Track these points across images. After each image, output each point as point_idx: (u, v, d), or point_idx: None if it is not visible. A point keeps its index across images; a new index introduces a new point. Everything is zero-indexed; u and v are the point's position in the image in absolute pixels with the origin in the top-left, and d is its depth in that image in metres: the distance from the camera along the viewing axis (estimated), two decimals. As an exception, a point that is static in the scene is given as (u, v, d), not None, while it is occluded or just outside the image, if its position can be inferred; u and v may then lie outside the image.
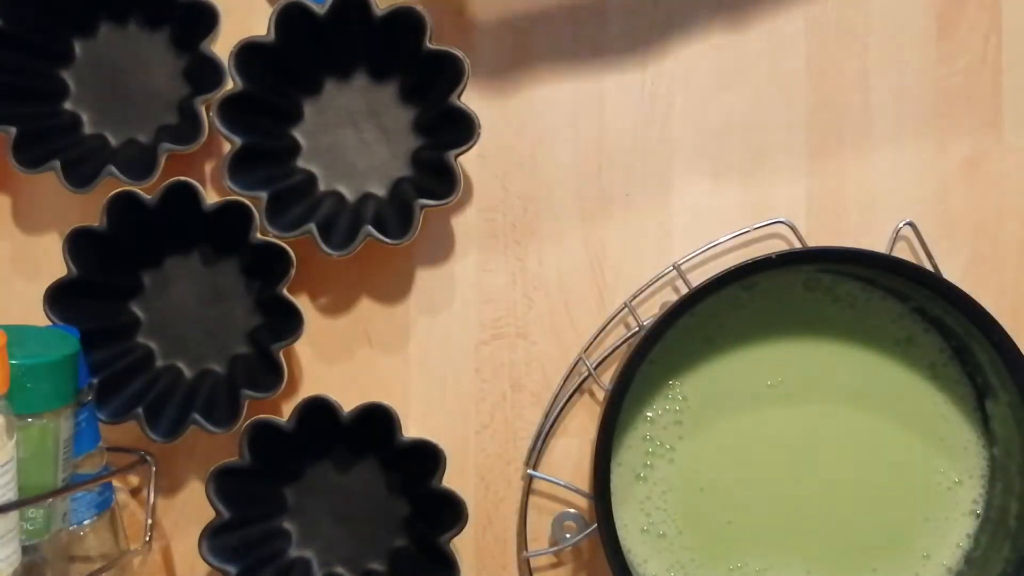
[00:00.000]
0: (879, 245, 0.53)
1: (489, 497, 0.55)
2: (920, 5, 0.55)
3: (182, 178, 0.50)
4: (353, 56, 0.53)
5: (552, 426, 0.55)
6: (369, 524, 0.54)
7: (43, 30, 0.52)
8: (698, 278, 0.50)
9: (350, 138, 0.54)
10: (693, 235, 0.55)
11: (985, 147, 0.55)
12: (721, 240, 0.54)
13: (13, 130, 0.50)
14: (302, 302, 0.54)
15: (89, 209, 0.53)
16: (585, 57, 0.55)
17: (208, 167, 0.55)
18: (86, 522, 0.50)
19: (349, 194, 0.54)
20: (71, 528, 0.49)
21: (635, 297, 0.54)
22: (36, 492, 0.45)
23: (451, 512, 0.50)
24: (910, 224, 0.53)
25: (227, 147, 0.50)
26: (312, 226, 0.50)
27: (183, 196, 0.50)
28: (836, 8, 0.55)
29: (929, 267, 0.52)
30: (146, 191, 0.50)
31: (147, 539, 0.54)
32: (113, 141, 0.54)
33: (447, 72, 0.50)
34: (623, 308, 0.54)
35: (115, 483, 0.53)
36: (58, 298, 0.50)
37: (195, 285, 0.54)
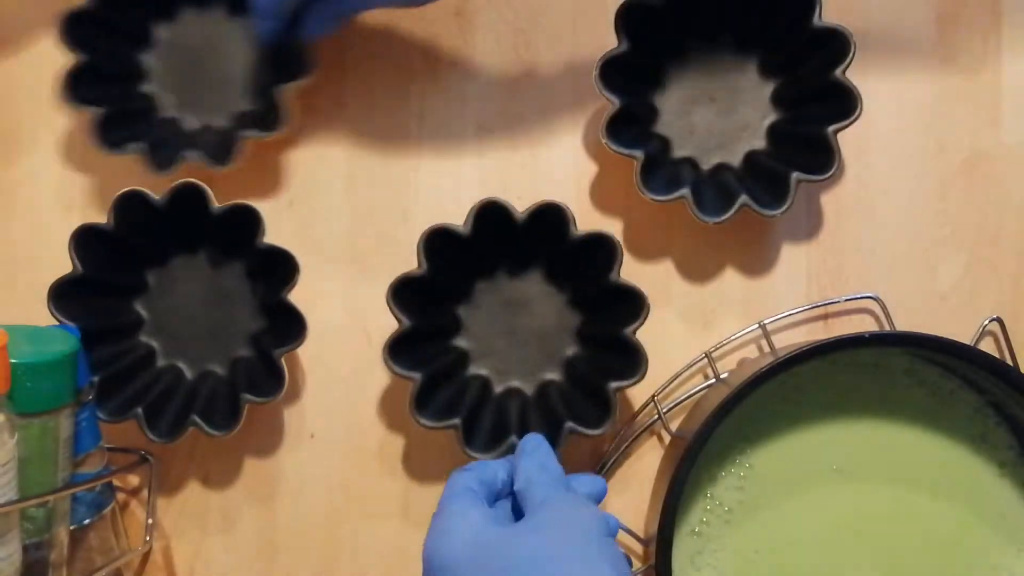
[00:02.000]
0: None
1: (489, 497, 0.55)
2: (920, 5, 0.55)
3: (192, 180, 0.50)
4: None
5: (613, 463, 0.55)
6: (541, 336, 0.53)
7: (127, 12, 0.53)
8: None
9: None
10: (692, 231, 0.55)
11: (985, 147, 0.55)
12: (805, 307, 0.54)
13: (99, 111, 0.50)
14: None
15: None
16: (585, 55, 0.55)
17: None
18: (86, 522, 0.50)
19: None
20: (71, 528, 0.49)
21: (716, 349, 0.54)
22: (36, 491, 0.45)
23: (631, 304, 0.49)
24: (997, 320, 0.53)
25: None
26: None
27: (192, 198, 0.50)
28: (836, 8, 0.55)
29: (1010, 362, 0.52)
30: (156, 192, 0.50)
31: (147, 539, 0.54)
32: (192, 125, 0.54)
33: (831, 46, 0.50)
34: (702, 357, 0.54)
35: (115, 483, 0.53)
36: (62, 295, 0.50)
37: (200, 286, 0.54)
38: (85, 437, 0.49)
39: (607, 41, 0.50)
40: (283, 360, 0.50)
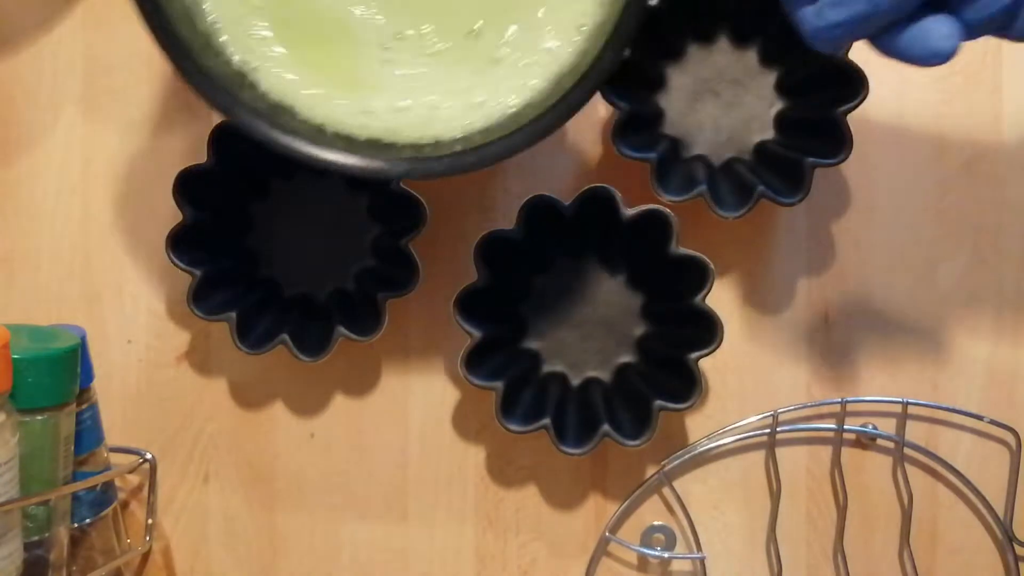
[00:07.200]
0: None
1: (489, 497, 0.55)
2: (920, 5, 0.55)
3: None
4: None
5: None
6: (607, 322, 0.53)
7: None
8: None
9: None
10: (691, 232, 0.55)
11: (985, 147, 0.55)
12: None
13: None
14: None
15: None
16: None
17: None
18: (87, 521, 0.49)
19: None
20: (72, 527, 0.49)
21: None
22: (37, 489, 0.44)
23: (695, 273, 0.49)
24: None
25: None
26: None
27: None
28: None
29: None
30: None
31: (147, 539, 0.53)
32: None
33: None
34: None
35: (115, 483, 0.53)
36: (179, 244, 0.50)
37: (303, 208, 0.54)
38: (87, 437, 0.49)
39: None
40: (411, 248, 0.50)
